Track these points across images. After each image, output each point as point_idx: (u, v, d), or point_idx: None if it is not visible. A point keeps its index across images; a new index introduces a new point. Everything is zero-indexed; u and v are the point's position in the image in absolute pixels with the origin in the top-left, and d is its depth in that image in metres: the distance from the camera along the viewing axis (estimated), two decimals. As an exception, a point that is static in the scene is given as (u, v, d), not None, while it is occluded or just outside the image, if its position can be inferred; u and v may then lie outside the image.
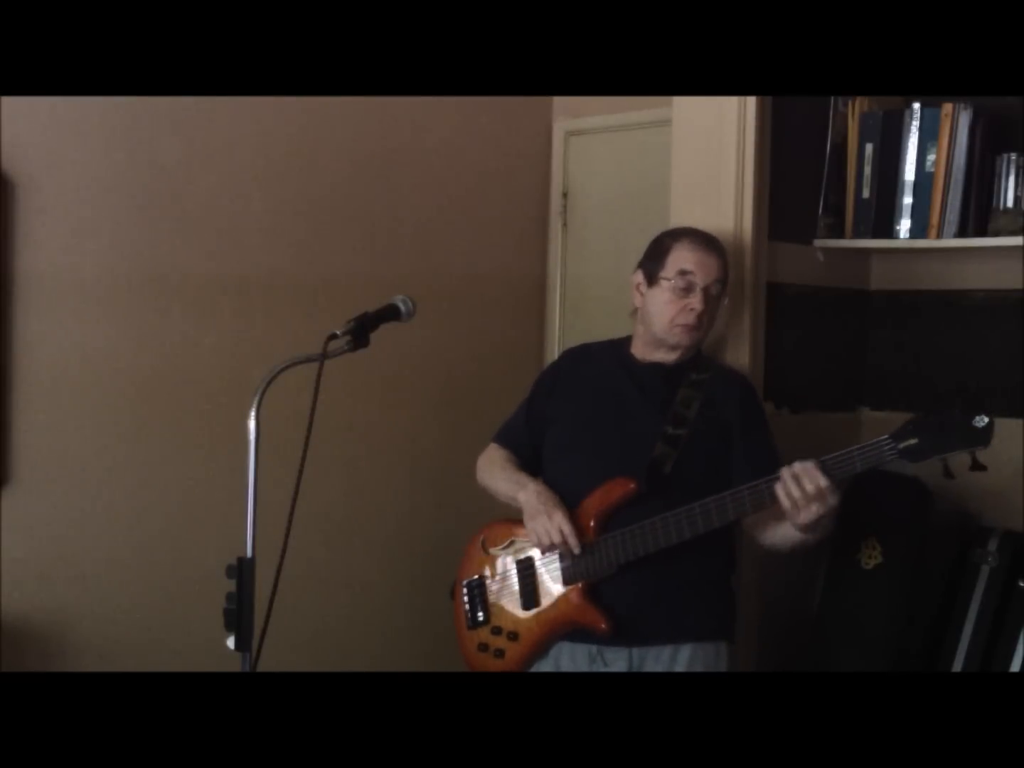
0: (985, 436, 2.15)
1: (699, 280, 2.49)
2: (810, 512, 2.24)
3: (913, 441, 2.18)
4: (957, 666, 2.82)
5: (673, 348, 2.54)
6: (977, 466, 2.16)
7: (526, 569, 2.52)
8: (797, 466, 2.24)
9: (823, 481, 2.21)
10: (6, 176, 2.73)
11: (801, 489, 2.22)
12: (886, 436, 2.20)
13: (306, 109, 3.15)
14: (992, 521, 2.93)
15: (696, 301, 2.48)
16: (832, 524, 2.36)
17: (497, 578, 2.57)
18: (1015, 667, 2.74)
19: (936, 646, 2.87)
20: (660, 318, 2.52)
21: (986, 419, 2.15)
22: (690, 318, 2.49)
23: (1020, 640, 2.75)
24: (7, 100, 2.69)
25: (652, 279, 2.55)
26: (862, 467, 2.22)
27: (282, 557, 1.97)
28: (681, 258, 2.51)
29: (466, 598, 2.59)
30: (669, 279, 2.50)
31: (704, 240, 2.54)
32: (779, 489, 2.25)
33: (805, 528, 2.29)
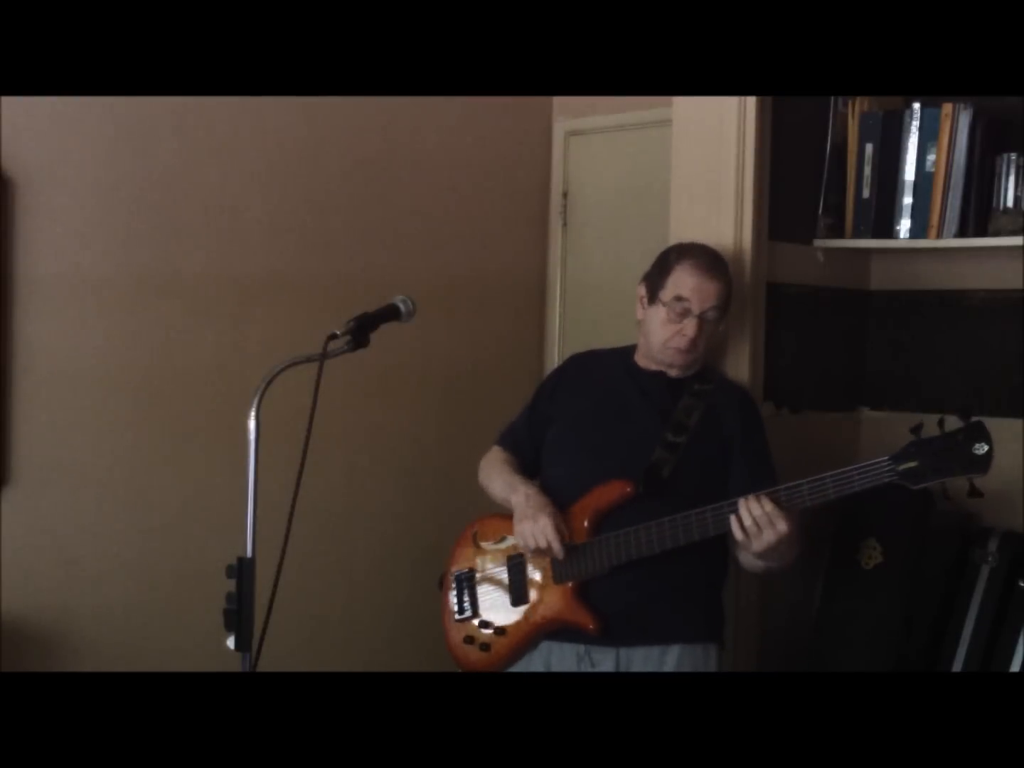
0: (984, 464, 2.17)
1: (695, 307, 2.50)
2: (761, 541, 2.27)
3: (913, 464, 2.20)
4: (957, 666, 2.82)
5: (668, 366, 2.57)
6: (975, 492, 2.19)
7: (517, 565, 2.53)
8: (751, 497, 2.28)
9: (768, 507, 2.25)
10: (6, 176, 2.73)
11: (752, 518, 2.26)
12: (886, 457, 2.22)
13: (306, 109, 3.15)
14: (992, 521, 2.93)
15: (689, 328, 2.50)
16: (792, 552, 2.39)
17: (487, 572, 2.58)
18: (1015, 667, 2.74)
19: (936, 646, 2.87)
20: (655, 337, 2.55)
21: (986, 447, 2.17)
22: (682, 343, 2.51)
23: (1020, 640, 2.75)
24: (7, 100, 2.69)
25: (652, 297, 2.56)
26: (860, 487, 2.24)
27: (282, 557, 1.97)
28: (680, 282, 2.51)
29: (455, 590, 2.61)
30: (666, 303, 2.52)
31: (707, 264, 2.54)
32: (731, 520, 2.29)
33: (760, 555, 2.33)
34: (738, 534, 2.29)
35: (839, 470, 2.25)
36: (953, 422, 2.22)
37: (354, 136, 3.30)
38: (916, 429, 2.21)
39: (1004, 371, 3.00)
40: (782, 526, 2.26)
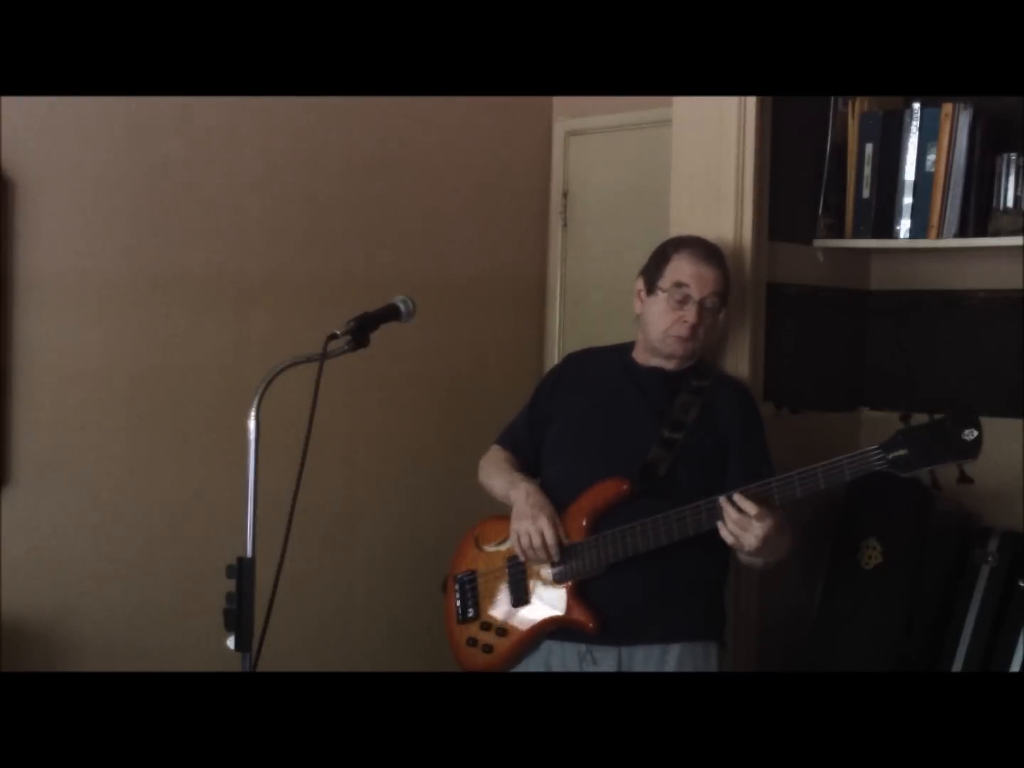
0: (974, 449, 2.16)
1: (694, 293, 2.50)
2: (748, 540, 2.26)
3: (902, 452, 2.19)
4: (957, 666, 2.82)
5: (669, 357, 2.56)
6: (964, 479, 2.19)
7: (517, 566, 2.53)
8: (724, 500, 2.27)
9: (745, 507, 2.24)
10: (6, 176, 2.73)
11: (731, 518, 2.26)
12: (876, 446, 2.22)
13: (307, 109, 3.14)
14: (992, 521, 2.93)
15: (690, 314, 2.50)
16: (784, 545, 2.38)
17: (489, 574, 2.58)
18: (1015, 667, 2.74)
19: (936, 646, 2.87)
20: (655, 327, 2.55)
21: (975, 432, 2.16)
22: (683, 330, 2.51)
23: (1020, 640, 2.75)
24: (7, 100, 2.69)
25: (651, 287, 2.57)
26: (850, 476, 2.24)
27: (282, 557, 1.97)
28: (679, 269, 2.52)
29: (457, 593, 2.61)
30: (665, 290, 2.52)
31: (704, 252, 2.55)
32: (719, 525, 2.29)
33: (754, 553, 2.32)
34: (728, 539, 2.29)
35: (829, 460, 2.24)
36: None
37: (354, 136, 3.31)
38: (906, 418, 2.21)
39: (1004, 371, 3.00)
40: (764, 522, 2.24)
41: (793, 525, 2.38)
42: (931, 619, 2.88)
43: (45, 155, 2.80)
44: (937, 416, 2.20)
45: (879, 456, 2.21)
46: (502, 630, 2.54)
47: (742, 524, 2.25)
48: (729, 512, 2.26)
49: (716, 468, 2.49)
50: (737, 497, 2.25)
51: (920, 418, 2.21)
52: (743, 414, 2.57)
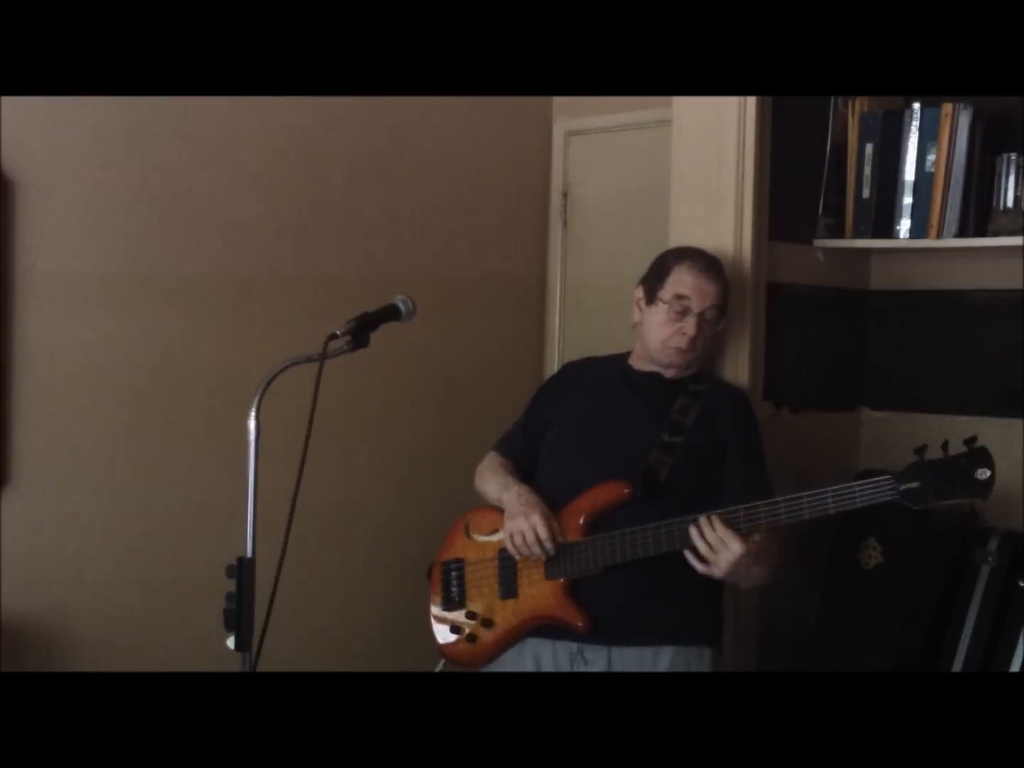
0: (985, 489, 2.18)
1: (695, 306, 2.51)
2: (719, 565, 2.28)
3: (915, 484, 2.20)
4: (957, 666, 2.82)
5: (667, 367, 2.57)
6: (973, 514, 2.19)
7: (507, 559, 2.53)
8: (702, 518, 2.29)
9: (719, 530, 2.26)
10: (6, 176, 2.73)
11: (705, 541, 2.27)
12: (888, 476, 2.22)
13: (306, 109, 3.14)
14: (992, 521, 2.93)
15: (689, 326, 2.51)
16: (763, 571, 2.40)
17: (477, 563, 2.57)
18: (1015, 667, 2.74)
19: (936, 646, 2.87)
20: (654, 337, 2.55)
21: (988, 472, 2.17)
22: (682, 342, 2.52)
23: (1020, 640, 2.75)
24: (7, 100, 2.69)
25: (651, 297, 2.57)
26: (861, 503, 2.24)
27: (282, 557, 1.97)
28: (679, 281, 2.53)
29: (442, 578, 2.60)
30: (665, 301, 2.52)
31: (705, 265, 2.55)
32: (686, 553, 2.30)
33: (724, 576, 2.33)
34: (699, 567, 2.30)
35: (840, 485, 2.25)
36: (956, 446, 2.22)
37: (354, 136, 3.30)
38: (920, 450, 2.21)
39: (1004, 371, 3.00)
40: (736, 547, 2.25)
41: (778, 550, 2.39)
42: (931, 619, 2.88)
43: (45, 155, 2.79)
44: (952, 453, 2.20)
45: (891, 486, 2.21)
46: (488, 621, 2.54)
47: (715, 546, 2.26)
48: (704, 534, 2.27)
49: (714, 472, 2.49)
50: (714, 521, 2.27)
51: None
52: (741, 421, 2.57)
